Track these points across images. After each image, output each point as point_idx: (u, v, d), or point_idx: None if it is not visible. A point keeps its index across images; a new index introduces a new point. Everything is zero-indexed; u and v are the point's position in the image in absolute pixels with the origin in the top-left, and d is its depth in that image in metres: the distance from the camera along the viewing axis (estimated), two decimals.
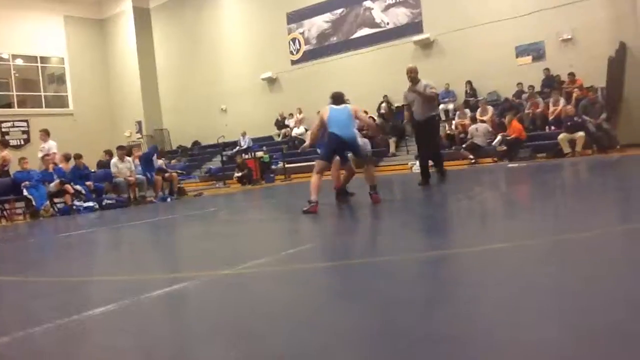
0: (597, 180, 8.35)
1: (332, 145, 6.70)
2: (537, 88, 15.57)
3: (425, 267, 3.22)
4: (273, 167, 18.36)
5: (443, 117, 17.04)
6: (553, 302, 2.25)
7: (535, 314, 2.09)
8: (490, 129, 14.78)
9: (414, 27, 18.68)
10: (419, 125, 8.94)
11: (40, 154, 12.61)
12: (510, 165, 10.69)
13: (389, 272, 3.22)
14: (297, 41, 22.06)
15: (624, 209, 4.93)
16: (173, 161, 20.48)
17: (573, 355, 1.69)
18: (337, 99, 6.96)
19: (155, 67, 27.27)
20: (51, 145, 12.96)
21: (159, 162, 14.28)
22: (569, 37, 15.53)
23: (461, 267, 3.15)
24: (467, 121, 15.42)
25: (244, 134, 21.47)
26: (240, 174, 17.28)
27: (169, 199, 13.07)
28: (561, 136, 13.15)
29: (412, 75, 8.74)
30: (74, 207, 11.44)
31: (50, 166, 12.18)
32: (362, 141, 8.01)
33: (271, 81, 22.81)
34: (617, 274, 2.64)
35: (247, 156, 18.26)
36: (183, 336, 2.29)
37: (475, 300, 2.38)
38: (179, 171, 15.86)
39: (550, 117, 14.30)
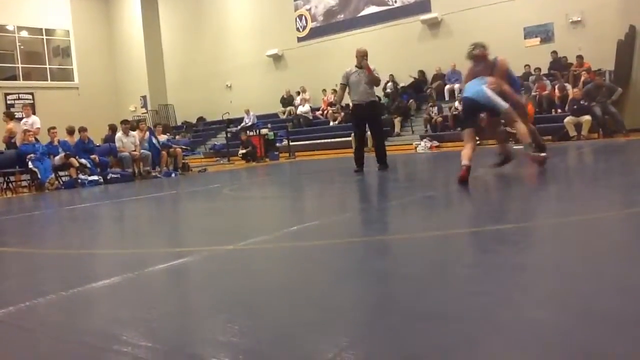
0: (599, 165, 8.32)
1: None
2: (545, 70, 15.44)
3: (425, 247, 3.24)
4: (277, 144, 18.36)
5: (447, 98, 16.98)
6: (552, 283, 2.27)
7: (534, 294, 2.11)
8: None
9: (421, 5, 18.50)
10: (360, 108, 8.61)
11: (22, 128, 12.59)
12: (515, 147, 10.69)
13: (390, 250, 3.25)
14: (303, 18, 21.88)
15: (626, 195, 4.92)
16: (177, 137, 20.51)
17: (568, 336, 1.71)
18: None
19: (161, 42, 27.14)
20: (34, 120, 13.04)
21: (164, 138, 14.30)
22: (578, 19, 15.36)
23: (459, 248, 3.18)
24: None
25: (248, 111, 21.42)
26: (244, 151, 17.29)
27: (173, 175, 13.11)
28: (567, 119, 13.09)
29: (362, 57, 8.63)
30: (79, 180, 11.50)
31: (56, 139, 12.21)
32: None
33: (277, 58, 22.69)
34: (619, 257, 2.65)
35: (251, 133, 18.26)
36: (184, 309, 2.32)
37: (474, 279, 2.41)
38: (184, 147, 15.88)
39: (557, 101, 14.23)
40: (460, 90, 16.46)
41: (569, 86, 14.18)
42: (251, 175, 12.16)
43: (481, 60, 6.72)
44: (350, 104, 8.86)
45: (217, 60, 24.54)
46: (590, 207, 4.18)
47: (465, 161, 5.74)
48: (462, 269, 2.66)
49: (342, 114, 15.23)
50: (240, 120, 21.49)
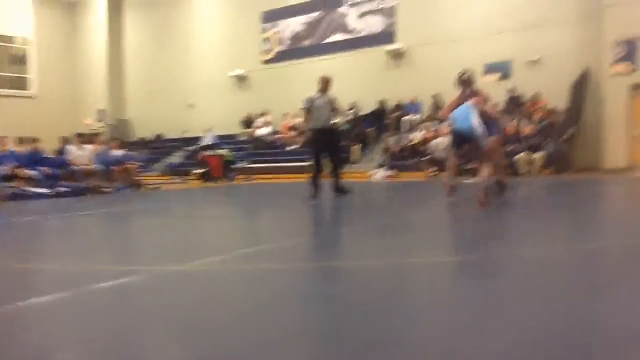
0: (550, 201, 8.52)
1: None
2: (501, 106, 15.85)
3: (377, 274, 3.21)
4: (235, 166, 18.18)
5: (407, 128, 17.23)
6: (495, 314, 2.26)
7: (483, 324, 2.10)
8: None
9: (386, 36, 18.84)
10: (322, 133, 8.57)
11: None
12: (467, 181, 10.88)
13: (342, 276, 3.21)
14: (270, 41, 21.97)
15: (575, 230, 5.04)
16: (133, 153, 20.10)
17: None
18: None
19: (124, 56, 26.75)
20: None
21: (118, 153, 13.99)
22: (536, 58, 15.89)
23: (409, 278, 3.16)
24: (431, 134, 15.60)
25: (209, 130, 21.22)
26: (201, 171, 17.08)
27: (125, 191, 12.80)
28: (520, 155, 13.42)
29: (326, 84, 8.71)
30: (26, 192, 11.08)
31: (6, 148, 11.79)
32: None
33: (241, 79, 22.65)
34: (567, 291, 2.67)
35: (210, 153, 18.06)
36: (125, 328, 2.21)
37: (424, 308, 2.38)
38: (139, 163, 15.55)
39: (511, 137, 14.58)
40: (421, 123, 16.75)
41: (523, 123, 14.57)
42: (207, 195, 11.98)
43: (469, 85, 7.16)
44: (310, 130, 8.81)
45: (180, 77, 24.32)
46: (538, 243, 4.25)
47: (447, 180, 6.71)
48: (413, 297, 2.64)
49: (302, 139, 15.20)
50: (199, 139, 21.23)
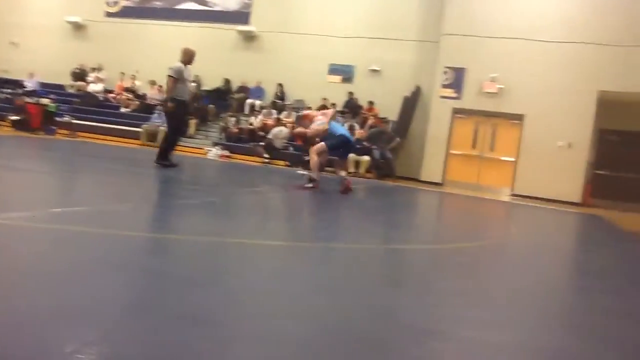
0: (368, 202, 9.12)
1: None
2: (340, 107, 16.59)
3: (197, 249, 3.18)
4: (58, 119, 16.69)
5: (247, 111, 17.27)
6: (310, 296, 2.37)
7: (287, 305, 2.19)
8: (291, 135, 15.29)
9: (240, 16, 18.62)
10: (184, 105, 8.79)
11: None
12: (299, 172, 11.31)
13: (160, 248, 3.13)
14: None
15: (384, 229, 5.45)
16: None
17: (315, 348, 1.79)
18: None
19: None
20: None
21: None
22: (377, 68, 16.85)
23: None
24: (270, 121, 15.78)
25: (31, 75, 19.21)
26: (17, 118, 15.40)
27: None
28: (349, 156, 14.15)
29: (191, 58, 8.74)
30: None
31: None
32: None
33: (78, 27, 20.82)
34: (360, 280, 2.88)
35: (30, 100, 16.35)
36: None
37: (238, 287, 2.41)
38: None
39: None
40: (262, 108, 16.86)
41: (357, 126, 15.39)
42: (22, 146, 10.85)
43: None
44: (174, 100, 8.53)
45: (6, 10, 21.66)
46: (346, 237, 4.52)
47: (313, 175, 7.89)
48: (227, 276, 2.66)
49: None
50: (19, 82, 19.12)
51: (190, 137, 16.31)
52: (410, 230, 5.88)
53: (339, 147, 8.24)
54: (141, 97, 18.11)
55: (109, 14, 20.52)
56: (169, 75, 8.48)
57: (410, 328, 2.18)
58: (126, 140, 15.64)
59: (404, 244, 4.66)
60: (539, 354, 2.10)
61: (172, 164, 8.59)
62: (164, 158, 8.58)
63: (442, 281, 3.23)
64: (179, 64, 8.55)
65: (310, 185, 7.81)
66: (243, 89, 17.85)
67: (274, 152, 14.85)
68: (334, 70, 17.46)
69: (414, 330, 2.16)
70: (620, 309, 3.06)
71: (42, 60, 20.29)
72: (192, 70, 8.86)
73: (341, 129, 8.71)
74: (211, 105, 17.48)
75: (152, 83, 17.95)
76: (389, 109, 15.79)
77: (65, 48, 20.63)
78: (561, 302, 3.18)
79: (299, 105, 16.85)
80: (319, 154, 8.00)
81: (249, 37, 18.43)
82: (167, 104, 8.52)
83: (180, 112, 8.75)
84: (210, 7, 19.20)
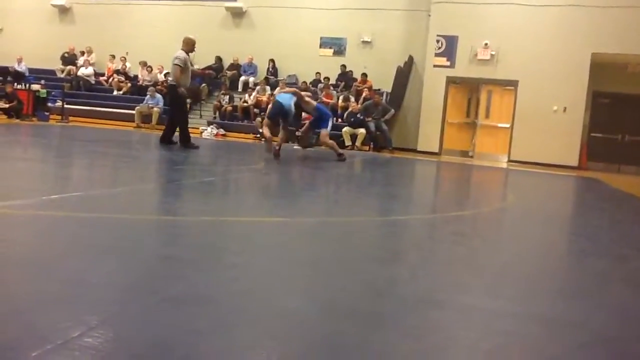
0: (365, 174, 9.13)
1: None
2: (333, 81, 16.47)
3: (192, 230, 3.19)
4: (50, 104, 16.56)
5: (240, 89, 17.17)
6: (308, 277, 2.39)
7: (288, 286, 2.20)
8: None
9: None
10: (189, 91, 9.56)
11: None
12: (295, 147, 11.32)
13: (154, 230, 3.13)
14: None
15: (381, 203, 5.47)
16: None
17: (313, 327, 1.80)
18: None
19: None
20: None
21: None
22: (369, 40, 16.70)
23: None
24: (264, 98, 15.68)
25: (20, 60, 18.98)
26: (7, 105, 15.28)
27: None
28: (345, 129, 14.13)
29: (192, 46, 9.44)
30: None
31: None
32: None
33: (63, 10, 20.48)
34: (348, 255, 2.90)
35: (19, 86, 16.21)
36: None
37: (235, 266, 2.43)
38: None
39: (340, 111, 15.28)
40: (256, 85, 16.77)
41: (352, 99, 15.31)
42: (13, 133, 10.78)
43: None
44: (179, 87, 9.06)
45: None
46: (352, 211, 4.53)
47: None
48: (226, 254, 2.67)
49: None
50: (7, 69, 18.88)
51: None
52: (406, 201, 5.89)
53: (276, 114, 8.73)
54: (133, 79, 17.96)
55: None
56: (176, 64, 9.02)
57: (407, 298, 2.20)
58: (120, 123, 15.57)
59: (400, 214, 4.68)
60: (538, 321, 2.12)
61: (194, 146, 9.16)
62: (186, 140, 9.17)
63: (439, 251, 3.26)
64: (183, 53, 9.12)
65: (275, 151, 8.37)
66: (235, 66, 17.70)
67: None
68: (325, 43, 17.29)
69: (410, 300, 2.18)
70: (617, 273, 3.09)
71: (29, 46, 20.01)
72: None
73: (280, 96, 9.10)
74: (203, 85, 17.34)
75: (143, 64, 17.76)
76: (383, 80, 15.71)
77: (52, 32, 20.34)
78: (558, 268, 3.21)
79: (291, 81, 16.73)
80: (266, 125, 8.80)
81: (238, 14, 18.18)
82: (179, 90, 9.02)
83: (186, 98, 9.52)
84: None
